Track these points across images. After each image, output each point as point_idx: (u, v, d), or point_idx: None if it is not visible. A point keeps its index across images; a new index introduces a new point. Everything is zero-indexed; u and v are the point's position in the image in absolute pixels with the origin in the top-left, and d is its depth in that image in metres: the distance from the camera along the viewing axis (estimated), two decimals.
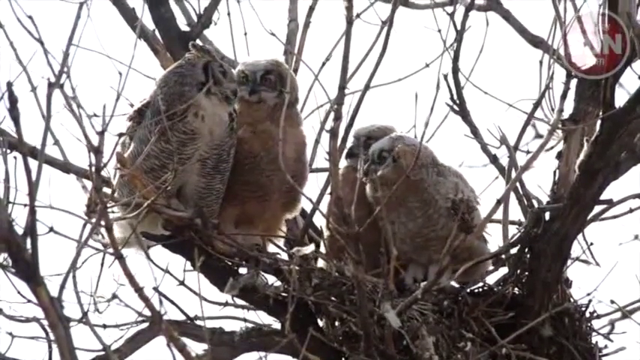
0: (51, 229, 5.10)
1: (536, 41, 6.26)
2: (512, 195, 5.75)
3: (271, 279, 5.57)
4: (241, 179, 5.60)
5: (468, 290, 5.62)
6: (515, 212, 5.79)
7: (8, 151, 4.27)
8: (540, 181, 5.74)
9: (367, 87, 5.21)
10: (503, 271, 5.68)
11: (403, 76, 6.03)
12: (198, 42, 5.71)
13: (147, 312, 5.05)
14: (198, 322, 5.54)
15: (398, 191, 5.44)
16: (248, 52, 6.50)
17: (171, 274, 5.45)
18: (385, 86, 5.87)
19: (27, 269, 3.98)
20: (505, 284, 5.63)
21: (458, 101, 5.91)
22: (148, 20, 6.42)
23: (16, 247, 3.95)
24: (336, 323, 5.47)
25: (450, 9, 5.88)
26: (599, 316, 5.70)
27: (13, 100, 3.93)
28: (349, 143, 5.88)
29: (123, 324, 5.53)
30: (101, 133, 4.32)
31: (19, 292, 5.11)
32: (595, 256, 5.70)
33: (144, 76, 6.09)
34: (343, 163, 5.88)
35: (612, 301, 5.71)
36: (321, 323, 5.52)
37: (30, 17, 4.90)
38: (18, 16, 4.98)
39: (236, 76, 5.59)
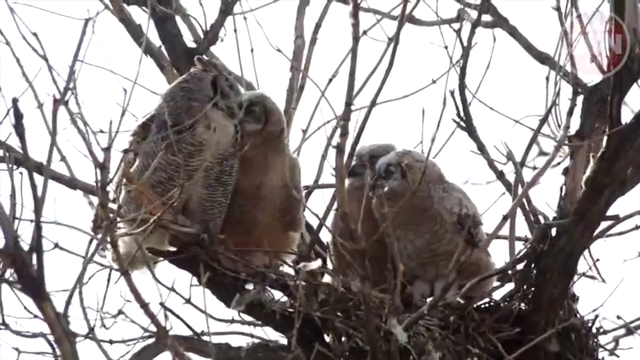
0: (56, 245, 5.12)
1: (542, 57, 6.24)
2: (519, 211, 5.75)
3: (278, 294, 5.57)
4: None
5: (475, 306, 5.61)
6: (522, 228, 5.80)
7: (14, 167, 4.29)
8: (547, 197, 5.75)
9: (374, 103, 5.20)
10: (510, 286, 5.68)
11: (410, 93, 6.01)
12: (204, 56, 5.70)
13: (153, 327, 5.04)
14: (204, 338, 5.54)
15: (404, 207, 5.44)
16: (254, 68, 6.51)
17: (176, 293, 5.43)
18: (392, 102, 5.86)
19: (33, 285, 3.97)
20: (511, 300, 5.62)
21: (464, 117, 5.90)
22: (154, 36, 6.44)
23: (21, 263, 3.95)
24: (343, 339, 5.45)
25: (456, 25, 5.88)
26: (605, 332, 5.68)
27: (18, 116, 3.94)
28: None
29: (129, 339, 5.52)
30: (107, 149, 4.34)
31: (25, 308, 5.15)
32: (601, 272, 5.70)
33: (150, 92, 6.09)
34: (346, 181, 5.87)
35: (619, 317, 5.71)
36: (327, 339, 5.49)
37: (35, 34, 4.94)
38: (23, 33, 5.04)
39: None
